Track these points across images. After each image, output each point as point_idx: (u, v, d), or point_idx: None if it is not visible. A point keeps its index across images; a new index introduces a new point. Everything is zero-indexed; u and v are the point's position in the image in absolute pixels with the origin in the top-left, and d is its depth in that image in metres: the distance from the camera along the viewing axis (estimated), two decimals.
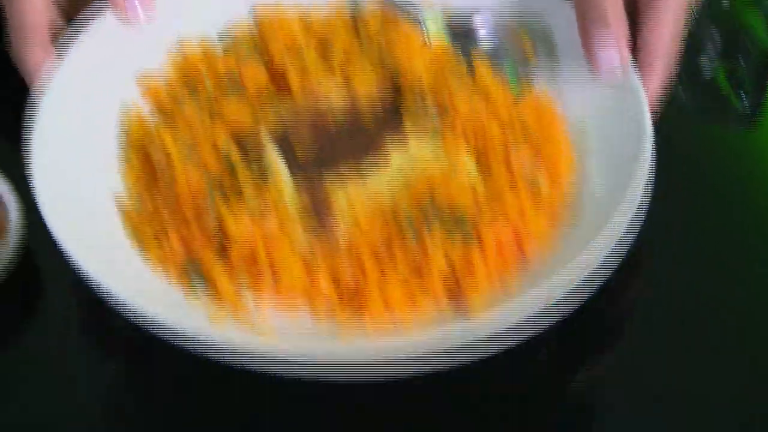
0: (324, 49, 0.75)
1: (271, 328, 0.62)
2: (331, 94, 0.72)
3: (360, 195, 0.67)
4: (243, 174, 0.67)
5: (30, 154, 0.66)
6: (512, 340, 0.60)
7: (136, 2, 0.74)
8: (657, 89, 0.70)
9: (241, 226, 0.64)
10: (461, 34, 0.77)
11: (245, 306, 0.63)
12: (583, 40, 0.70)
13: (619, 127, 0.69)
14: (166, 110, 0.73)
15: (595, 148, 0.70)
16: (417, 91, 0.72)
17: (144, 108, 0.73)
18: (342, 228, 0.66)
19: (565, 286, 0.60)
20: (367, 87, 0.73)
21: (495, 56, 0.75)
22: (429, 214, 0.66)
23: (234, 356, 0.58)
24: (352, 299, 0.63)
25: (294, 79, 0.73)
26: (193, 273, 0.64)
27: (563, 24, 0.73)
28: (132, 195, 0.69)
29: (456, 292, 0.64)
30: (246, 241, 0.64)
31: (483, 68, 0.74)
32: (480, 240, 0.65)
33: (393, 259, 0.64)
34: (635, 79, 0.69)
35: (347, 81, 0.73)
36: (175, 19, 0.76)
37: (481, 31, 0.77)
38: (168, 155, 0.69)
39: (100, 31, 0.74)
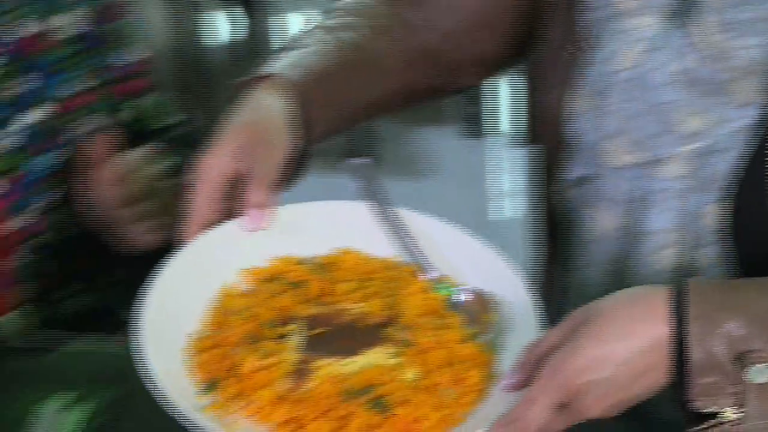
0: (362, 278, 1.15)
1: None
2: (348, 308, 1.11)
3: (332, 370, 1.04)
4: (272, 334, 1.07)
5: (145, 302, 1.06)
6: None
7: (261, 213, 1.15)
8: None
9: (249, 361, 1.03)
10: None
11: (231, 413, 1.01)
12: None
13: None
14: (254, 287, 1.14)
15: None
16: (401, 323, 1.09)
17: (241, 287, 1.14)
18: (309, 384, 1.03)
19: None
20: (374, 309, 1.10)
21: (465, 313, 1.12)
22: (364, 391, 1.02)
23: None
24: (297, 425, 1.00)
25: (335, 295, 1.13)
26: (209, 383, 1.03)
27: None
28: (205, 331, 1.09)
29: None
30: (248, 370, 1.02)
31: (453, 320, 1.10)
32: (390, 415, 1.00)
33: (330, 411, 1.00)
34: None
35: (364, 302, 1.11)
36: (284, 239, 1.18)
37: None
38: (236, 314, 1.09)
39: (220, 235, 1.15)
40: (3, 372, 1.23)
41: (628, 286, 1.01)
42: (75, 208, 1.45)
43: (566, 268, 1.31)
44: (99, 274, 1.53)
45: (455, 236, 1.18)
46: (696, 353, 0.94)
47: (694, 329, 0.94)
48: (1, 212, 1.39)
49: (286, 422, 1.00)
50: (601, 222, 1.24)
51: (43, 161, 1.44)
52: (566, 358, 0.95)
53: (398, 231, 1.18)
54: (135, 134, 1.50)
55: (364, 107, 1.31)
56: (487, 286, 1.13)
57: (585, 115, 1.21)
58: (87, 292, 1.52)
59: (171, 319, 1.07)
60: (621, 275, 1.23)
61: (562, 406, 0.96)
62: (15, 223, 1.42)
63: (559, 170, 1.28)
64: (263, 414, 1.01)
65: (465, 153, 3.95)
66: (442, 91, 1.41)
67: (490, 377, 1.05)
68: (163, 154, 1.45)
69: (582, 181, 1.25)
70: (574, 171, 1.25)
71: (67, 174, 1.45)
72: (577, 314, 0.99)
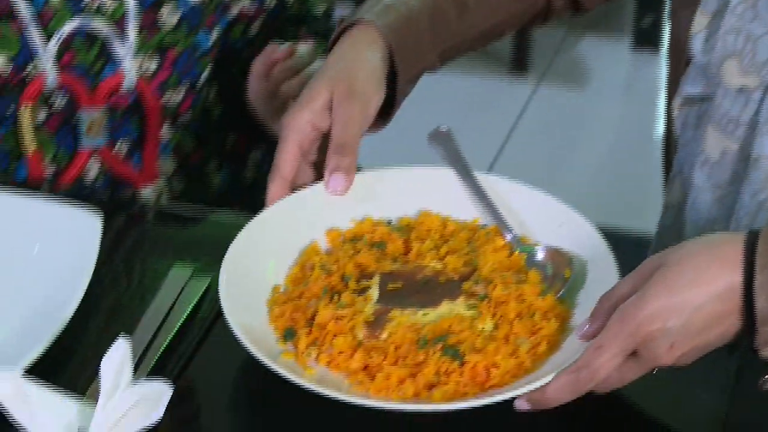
0: (440, 239, 1.16)
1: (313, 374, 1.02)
2: (426, 264, 1.13)
3: (407, 320, 1.06)
4: (352, 287, 1.09)
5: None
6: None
7: (341, 178, 1.17)
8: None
9: (326, 310, 1.05)
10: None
11: (308, 360, 1.04)
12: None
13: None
14: (335, 246, 1.16)
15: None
16: (479, 277, 1.10)
17: (322, 245, 1.17)
18: (384, 333, 1.05)
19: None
20: (452, 266, 1.12)
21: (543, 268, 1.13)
22: (437, 339, 1.03)
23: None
24: (369, 373, 1.02)
25: (413, 253, 1.15)
26: (288, 331, 1.06)
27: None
28: (287, 285, 1.12)
29: (429, 389, 1.00)
30: (325, 319, 1.05)
31: (532, 275, 1.11)
32: (462, 363, 1.01)
33: (404, 359, 1.02)
34: None
35: (441, 259, 1.13)
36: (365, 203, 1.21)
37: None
38: (313, 269, 1.12)
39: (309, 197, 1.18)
40: (141, 237, 1.31)
41: (736, 213, 1.00)
42: (221, 89, 1.52)
43: (680, 190, 1.31)
44: (240, 154, 1.59)
45: (534, 197, 1.19)
46: (761, 302, 0.93)
47: (761, 279, 0.93)
48: (153, 88, 1.45)
49: (361, 369, 1.02)
50: (713, 144, 1.23)
51: (202, 38, 1.49)
52: (637, 305, 0.95)
53: (478, 194, 1.19)
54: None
55: (457, 45, 1.31)
56: (565, 245, 1.14)
57: (704, 33, 1.22)
58: (226, 170, 1.58)
59: (254, 273, 1.11)
60: (730, 201, 1.22)
61: (633, 354, 0.96)
62: (168, 97, 1.48)
63: (678, 88, 1.28)
64: (339, 361, 1.03)
65: (636, 65, 3.76)
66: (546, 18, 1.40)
67: (564, 330, 1.06)
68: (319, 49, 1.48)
69: (696, 100, 1.25)
70: (690, 89, 1.25)
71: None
72: (650, 262, 0.98)
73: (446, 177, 1.22)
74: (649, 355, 0.96)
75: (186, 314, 1.11)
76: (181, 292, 1.14)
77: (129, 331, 1.05)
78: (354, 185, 1.18)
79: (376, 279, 1.10)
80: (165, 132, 1.49)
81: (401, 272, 1.12)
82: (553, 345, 1.04)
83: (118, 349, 0.98)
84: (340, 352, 1.03)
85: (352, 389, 1.01)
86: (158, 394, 0.96)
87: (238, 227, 1.13)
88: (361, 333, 1.05)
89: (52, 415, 0.96)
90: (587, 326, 1.01)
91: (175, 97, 1.48)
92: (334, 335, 1.04)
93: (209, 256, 1.14)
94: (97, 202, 1.21)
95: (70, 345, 1.07)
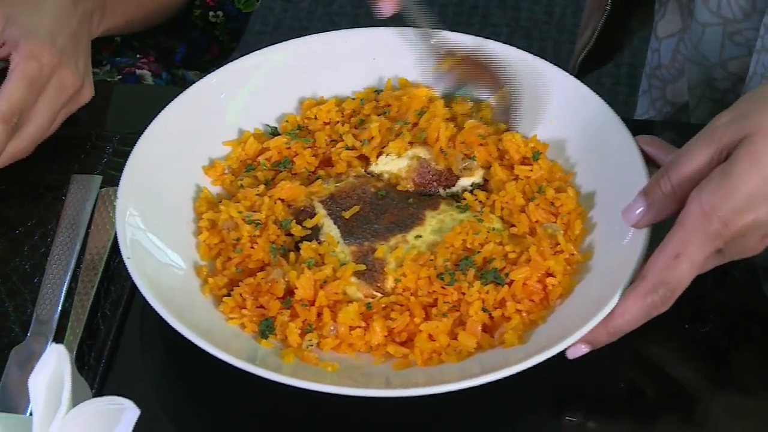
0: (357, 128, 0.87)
1: (335, 364, 0.73)
2: (362, 166, 0.85)
3: (403, 253, 0.78)
4: (301, 236, 0.79)
5: (119, 229, 0.77)
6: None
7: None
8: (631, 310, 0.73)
9: (303, 278, 0.75)
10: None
11: (309, 348, 0.74)
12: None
13: (621, 187, 0.80)
14: (230, 191, 0.85)
15: (600, 202, 0.82)
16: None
17: (212, 191, 0.85)
18: (390, 278, 0.76)
19: (585, 327, 0.72)
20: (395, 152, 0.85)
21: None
22: (463, 264, 0.77)
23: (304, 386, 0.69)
24: (402, 338, 0.75)
25: (336, 158, 0.85)
26: (264, 324, 0.75)
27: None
28: (205, 261, 0.80)
29: (491, 328, 0.75)
30: (308, 292, 0.75)
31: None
32: (510, 283, 0.76)
33: (435, 304, 0.75)
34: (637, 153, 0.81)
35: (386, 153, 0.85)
36: (234, 114, 0.89)
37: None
38: (237, 229, 0.80)
39: (165, 122, 0.85)
40: None
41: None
42: None
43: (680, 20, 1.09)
44: None
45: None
46: None
47: None
48: None
49: (387, 340, 0.75)
50: None
51: None
52: (723, 194, 0.72)
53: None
54: None
55: None
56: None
57: None
58: None
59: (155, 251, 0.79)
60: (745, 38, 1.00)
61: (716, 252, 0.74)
62: None
63: None
64: (352, 339, 0.75)
65: None
66: None
67: (585, 200, 0.83)
68: None
69: None
70: None
71: None
72: (727, 128, 0.74)
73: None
74: (735, 252, 0.75)
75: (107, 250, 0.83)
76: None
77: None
78: None
79: (322, 211, 0.81)
80: None
81: (344, 191, 0.83)
82: (585, 222, 0.81)
83: (50, 358, 0.66)
84: (351, 328, 0.74)
85: (394, 373, 0.73)
86: (116, 415, 0.65)
87: None
88: (358, 291, 0.76)
89: None
90: (640, 208, 0.77)
91: None
92: (331, 308, 0.75)
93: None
94: None
95: None
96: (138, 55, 1.15)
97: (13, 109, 0.86)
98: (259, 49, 0.91)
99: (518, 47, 0.90)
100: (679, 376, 0.80)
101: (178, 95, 0.87)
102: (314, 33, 0.94)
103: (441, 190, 0.84)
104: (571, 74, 0.89)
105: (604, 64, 1.14)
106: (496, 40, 0.89)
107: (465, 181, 0.84)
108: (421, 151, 0.85)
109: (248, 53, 0.91)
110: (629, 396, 0.79)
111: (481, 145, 0.84)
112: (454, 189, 0.84)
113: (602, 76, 1.90)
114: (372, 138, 0.85)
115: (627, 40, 1.12)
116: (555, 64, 0.91)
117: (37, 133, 0.88)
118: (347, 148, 0.86)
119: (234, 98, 0.89)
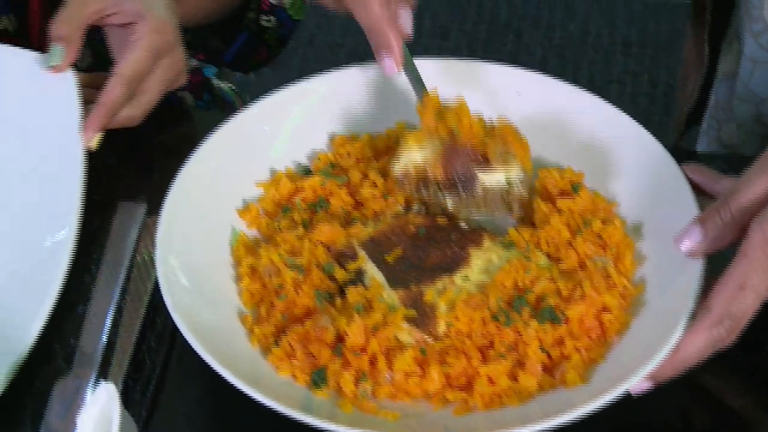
0: (387, 166, 0.86)
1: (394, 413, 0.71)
2: (399, 202, 0.84)
3: (452, 293, 0.77)
4: (345, 280, 0.78)
5: (161, 280, 0.76)
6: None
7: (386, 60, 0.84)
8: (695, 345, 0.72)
9: (354, 325, 0.74)
10: None
11: (365, 396, 0.72)
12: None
13: (669, 217, 0.79)
14: (267, 234, 0.83)
15: (648, 233, 0.81)
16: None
17: (248, 233, 0.84)
18: (441, 322, 0.75)
19: (651, 362, 0.70)
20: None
21: None
22: (517, 304, 0.75)
23: None
24: (460, 383, 0.73)
25: (370, 197, 0.84)
26: (316, 374, 0.73)
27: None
28: (249, 309, 0.78)
29: (551, 368, 0.74)
30: (359, 338, 0.73)
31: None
32: (566, 321, 0.75)
33: (490, 346, 0.74)
34: (685, 182, 0.80)
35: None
36: (266, 152, 0.88)
37: None
38: (279, 275, 0.78)
39: (200, 161, 0.84)
40: None
41: None
42: None
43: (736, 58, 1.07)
44: None
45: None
46: None
47: None
48: None
49: (445, 386, 0.73)
50: None
51: None
52: None
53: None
54: None
55: None
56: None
57: None
58: None
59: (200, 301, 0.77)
60: None
61: None
62: None
63: None
64: (408, 387, 0.73)
65: None
66: None
67: (632, 231, 0.82)
68: None
69: None
70: None
71: None
72: None
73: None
74: None
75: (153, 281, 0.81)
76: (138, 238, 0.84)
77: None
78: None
79: (363, 255, 0.79)
80: None
81: (383, 233, 0.82)
82: (635, 253, 0.80)
83: (99, 397, 0.65)
84: (407, 374, 0.73)
85: (454, 419, 0.72)
86: None
87: None
88: (410, 336, 0.75)
89: None
90: (697, 237, 0.75)
91: None
92: (386, 354, 0.74)
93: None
94: None
95: None
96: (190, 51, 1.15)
97: (135, 75, 0.89)
98: (292, 62, 0.90)
99: (552, 67, 0.89)
100: (737, 407, 0.78)
101: (210, 134, 0.86)
102: (347, 49, 0.93)
103: (479, 176, 0.81)
104: (677, 131, 0.88)
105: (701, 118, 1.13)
106: (529, 59, 0.89)
107: (500, 175, 0.81)
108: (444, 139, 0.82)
109: (282, 67, 0.90)
110: (687, 429, 0.78)
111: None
112: (494, 177, 0.81)
113: (638, 96, 1.86)
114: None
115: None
116: (591, 86, 0.90)
117: (148, 103, 0.91)
118: (374, 186, 0.85)
119: (267, 136, 0.88)
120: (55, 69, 0.89)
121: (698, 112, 1.12)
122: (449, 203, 0.82)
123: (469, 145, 0.80)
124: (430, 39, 2.23)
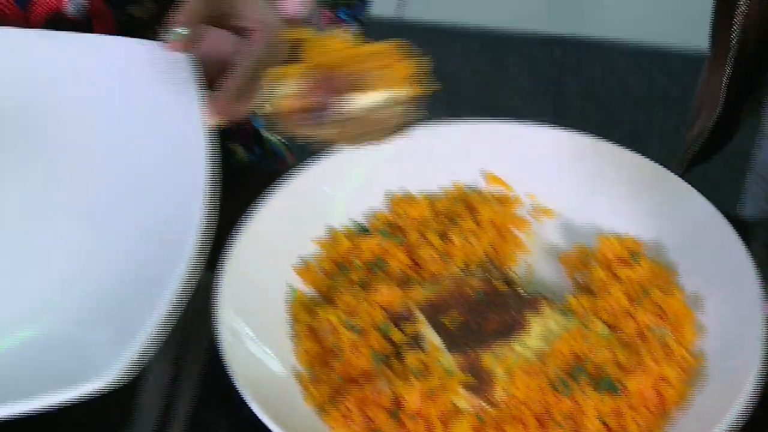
0: (446, 228, 0.86)
1: None
2: (459, 266, 0.84)
3: (510, 360, 0.76)
4: (402, 342, 0.78)
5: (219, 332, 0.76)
6: None
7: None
8: None
9: (412, 390, 0.73)
10: None
11: None
12: None
13: (729, 289, 0.78)
14: (323, 293, 0.83)
15: (707, 305, 0.80)
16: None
17: (305, 291, 0.83)
18: (499, 389, 0.74)
19: None
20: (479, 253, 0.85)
21: None
22: (576, 372, 0.74)
23: None
24: None
25: (428, 259, 0.84)
26: None
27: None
28: (306, 368, 0.78)
29: None
30: (416, 403, 0.73)
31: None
32: (625, 391, 0.74)
33: (547, 414, 0.73)
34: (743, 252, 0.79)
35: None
36: (324, 211, 0.87)
37: None
38: (337, 335, 0.78)
39: (260, 221, 0.84)
40: None
41: None
42: None
43: None
44: None
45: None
46: None
47: None
48: None
49: None
50: None
51: None
52: None
53: None
54: None
55: None
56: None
57: None
58: None
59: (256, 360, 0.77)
60: None
61: None
62: None
63: None
64: None
65: None
66: None
67: (684, 296, 0.81)
68: None
69: None
70: None
71: None
72: None
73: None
74: None
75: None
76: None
77: None
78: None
79: (421, 318, 0.79)
80: None
81: (441, 296, 0.81)
82: (694, 323, 0.79)
83: None
84: None
85: None
86: None
87: None
88: (466, 402, 0.74)
89: None
90: None
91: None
92: (442, 420, 0.73)
93: None
94: None
95: None
96: None
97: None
98: None
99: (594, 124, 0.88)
100: None
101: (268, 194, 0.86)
102: None
103: (359, 98, 0.78)
104: (678, 169, 0.88)
105: (710, 157, 1.11)
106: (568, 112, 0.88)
107: (379, 96, 0.78)
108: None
109: None
110: None
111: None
112: (372, 98, 0.78)
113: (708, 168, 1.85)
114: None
115: (735, 132, 1.10)
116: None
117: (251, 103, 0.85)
118: (432, 247, 0.85)
119: (326, 196, 0.88)
120: (173, 47, 0.85)
121: (705, 151, 1.10)
122: (331, 129, 0.79)
123: (345, 68, 0.78)
124: None
